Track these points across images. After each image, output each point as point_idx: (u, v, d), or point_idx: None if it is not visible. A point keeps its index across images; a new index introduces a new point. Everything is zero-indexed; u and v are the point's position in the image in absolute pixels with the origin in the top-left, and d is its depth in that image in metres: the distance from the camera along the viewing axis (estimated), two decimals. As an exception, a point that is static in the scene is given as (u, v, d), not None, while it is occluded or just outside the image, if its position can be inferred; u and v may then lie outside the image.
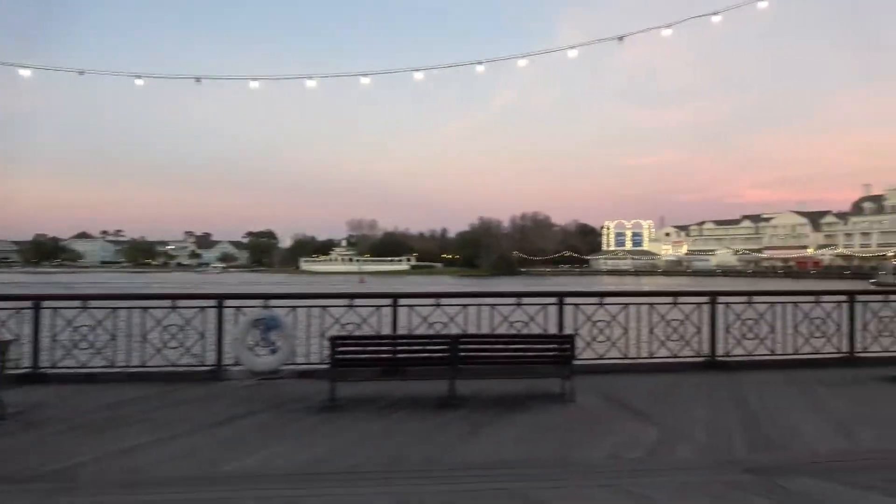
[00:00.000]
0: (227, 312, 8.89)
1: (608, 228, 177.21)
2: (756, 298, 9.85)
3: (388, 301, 9.10)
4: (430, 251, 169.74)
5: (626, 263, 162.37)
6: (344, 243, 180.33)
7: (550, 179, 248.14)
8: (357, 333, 8.74)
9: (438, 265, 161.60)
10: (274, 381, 8.36)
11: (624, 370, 9.15)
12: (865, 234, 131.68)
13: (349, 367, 7.47)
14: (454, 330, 8.88)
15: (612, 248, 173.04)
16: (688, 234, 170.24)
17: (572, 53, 10.40)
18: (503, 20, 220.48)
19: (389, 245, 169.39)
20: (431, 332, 8.82)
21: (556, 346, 7.54)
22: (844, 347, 10.00)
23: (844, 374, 9.10)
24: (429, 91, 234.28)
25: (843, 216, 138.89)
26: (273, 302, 9.08)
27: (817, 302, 9.98)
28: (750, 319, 9.72)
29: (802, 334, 9.86)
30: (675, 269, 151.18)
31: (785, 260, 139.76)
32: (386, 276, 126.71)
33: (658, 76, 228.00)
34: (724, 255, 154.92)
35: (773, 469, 5.09)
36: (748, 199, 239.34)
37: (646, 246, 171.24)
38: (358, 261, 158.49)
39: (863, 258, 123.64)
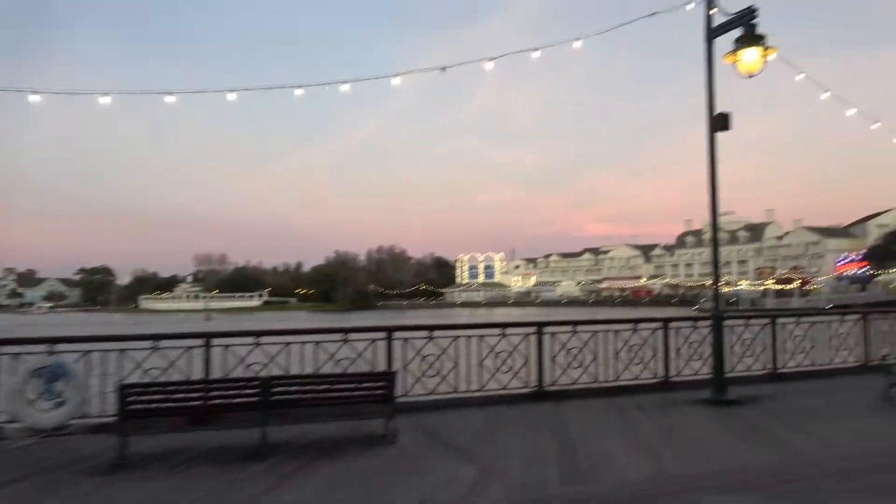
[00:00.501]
0: (3, 361, 7.65)
1: (462, 262, 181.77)
2: (580, 328, 10.12)
3: (199, 341, 8.27)
4: (284, 286, 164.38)
5: (479, 295, 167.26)
6: (190, 279, 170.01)
7: (407, 213, 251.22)
8: (162, 379, 7.84)
9: (293, 300, 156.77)
10: (59, 438, 7.25)
11: (454, 405, 8.96)
12: (689, 265, 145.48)
13: (146, 418, 6.61)
14: (275, 371, 8.27)
15: (466, 281, 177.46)
16: (535, 267, 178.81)
17: (395, 81, 10.33)
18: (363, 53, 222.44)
19: (240, 280, 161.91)
20: (250, 373, 8.14)
21: (376, 384, 7.16)
22: (661, 372, 10.53)
23: (660, 399, 9.54)
24: (285, 119, 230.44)
25: (669, 249, 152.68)
26: (61, 346, 7.94)
27: (635, 329, 10.47)
28: (574, 348, 9.96)
29: (623, 361, 10.27)
30: (524, 299, 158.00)
31: (622, 289, 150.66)
32: (236, 312, 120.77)
33: (511, 116, 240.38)
34: (568, 286, 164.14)
35: (581, 502, 5.02)
36: (590, 232, 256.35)
37: (497, 278, 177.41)
38: (205, 297, 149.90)
39: (687, 287, 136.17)
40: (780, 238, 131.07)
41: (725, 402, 9.07)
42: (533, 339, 9.72)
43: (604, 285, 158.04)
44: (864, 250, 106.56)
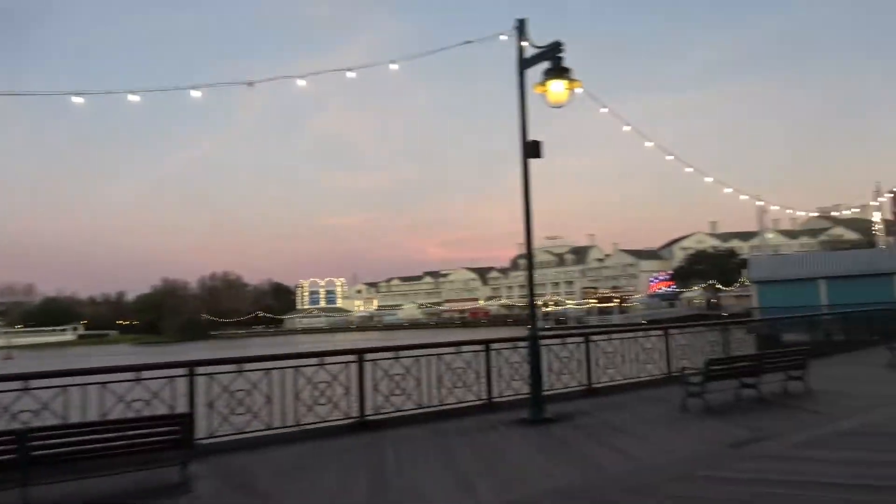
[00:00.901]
0: None
1: (303, 287, 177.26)
2: (402, 353, 9.91)
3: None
4: (104, 317, 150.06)
5: (320, 321, 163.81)
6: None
7: (244, 238, 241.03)
8: None
9: (113, 332, 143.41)
10: None
11: (266, 443, 8.29)
12: (522, 287, 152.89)
13: None
14: (51, 420, 7.13)
15: (306, 307, 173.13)
16: (377, 291, 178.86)
17: (195, 93, 9.63)
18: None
19: (51, 312, 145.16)
20: (17, 424, 6.94)
21: (169, 427, 6.39)
22: (484, 394, 10.59)
23: (483, 421, 9.54)
24: (103, 140, 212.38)
25: (504, 271, 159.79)
26: None
27: (458, 352, 10.46)
28: (398, 375, 9.72)
29: (446, 385, 10.19)
30: (367, 324, 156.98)
31: (461, 311, 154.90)
32: (44, 348, 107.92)
33: (355, 141, 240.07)
34: (410, 309, 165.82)
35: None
36: (432, 256, 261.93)
37: (339, 303, 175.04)
38: (6, 333, 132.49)
39: (521, 307, 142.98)
40: (601, 260, 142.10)
41: (542, 421, 9.26)
42: (353, 367, 9.34)
43: (444, 307, 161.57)
44: (671, 271, 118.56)
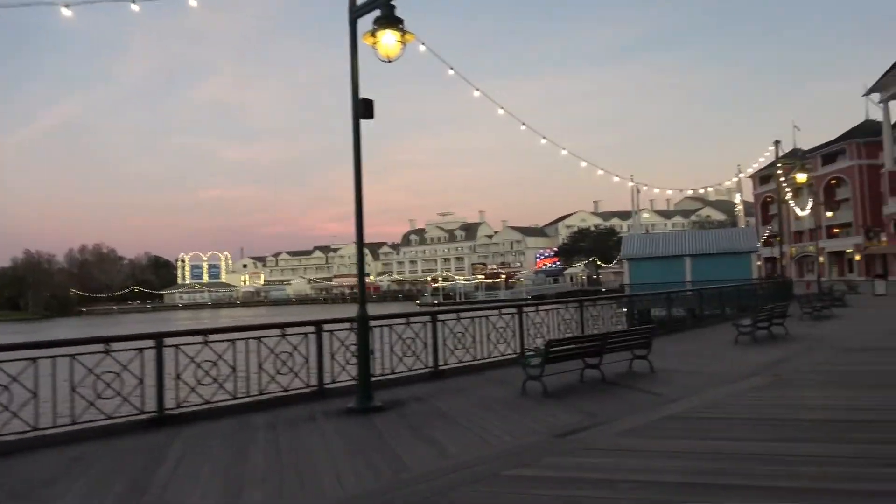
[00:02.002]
0: None
1: (184, 261, 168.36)
2: (213, 337, 8.71)
3: None
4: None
5: (204, 296, 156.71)
6: None
7: (120, 209, 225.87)
8: None
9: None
10: None
11: (31, 447, 6.92)
12: (413, 262, 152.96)
13: None
14: None
15: (188, 282, 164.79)
16: (265, 265, 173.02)
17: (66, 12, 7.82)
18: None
19: None
20: None
21: None
22: (314, 381, 9.61)
23: (306, 411, 8.59)
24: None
25: (395, 247, 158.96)
26: None
27: (283, 335, 9.39)
28: (208, 361, 8.53)
29: (268, 372, 9.12)
30: (252, 300, 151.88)
31: (351, 287, 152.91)
32: None
33: (246, 111, 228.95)
34: (299, 284, 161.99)
35: None
36: (324, 231, 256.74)
37: (224, 278, 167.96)
38: None
39: (412, 283, 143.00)
40: (490, 237, 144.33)
41: (368, 410, 8.41)
42: (149, 353, 8.06)
43: (334, 283, 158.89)
44: (556, 248, 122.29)
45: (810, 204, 52.58)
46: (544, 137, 21.58)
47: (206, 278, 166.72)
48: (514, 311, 12.87)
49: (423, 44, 10.55)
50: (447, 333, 11.43)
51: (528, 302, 14.92)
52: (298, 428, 7.66)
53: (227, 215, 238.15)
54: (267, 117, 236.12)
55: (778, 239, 51.19)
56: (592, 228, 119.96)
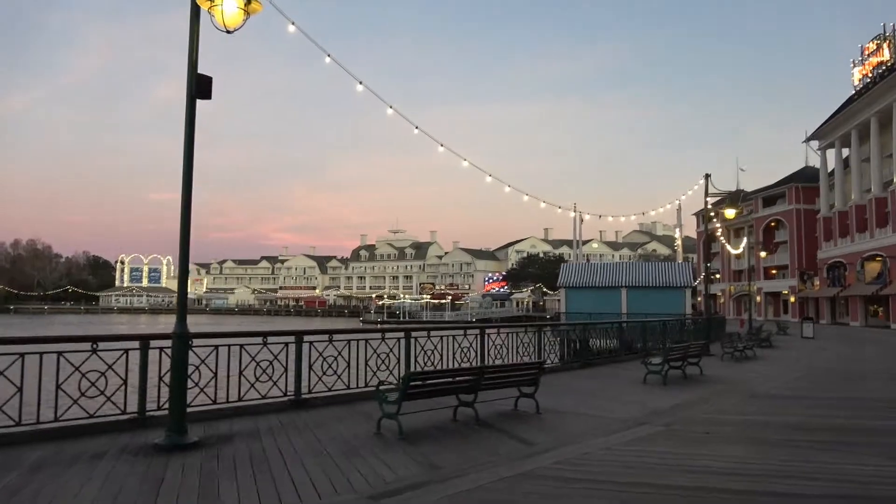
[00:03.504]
0: None
1: (123, 263, 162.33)
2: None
3: None
4: None
5: (140, 301, 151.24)
6: None
7: (62, 206, 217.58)
8: None
9: None
10: None
11: None
12: (361, 278, 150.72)
13: None
14: None
15: (126, 285, 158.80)
16: (209, 272, 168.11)
17: None
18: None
19: None
20: None
21: None
22: (133, 407, 8.13)
23: (108, 444, 7.12)
24: None
25: (344, 261, 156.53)
26: None
27: (94, 350, 7.88)
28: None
29: (68, 394, 7.60)
30: (193, 307, 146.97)
31: (297, 299, 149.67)
32: None
33: (201, 115, 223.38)
34: (243, 294, 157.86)
35: None
36: (275, 241, 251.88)
37: (164, 283, 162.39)
38: None
39: (359, 298, 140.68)
40: (440, 257, 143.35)
41: (177, 448, 6.97)
42: None
43: (279, 294, 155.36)
44: (505, 272, 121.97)
45: (744, 243, 53.11)
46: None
47: (145, 282, 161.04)
48: (401, 333, 11.62)
49: (292, 23, 9.27)
50: (315, 357, 10.06)
51: (421, 324, 13.71)
52: (69, 470, 6.16)
53: (175, 219, 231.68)
54: (226, 122, 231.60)
55: (716, 276, 51.57)
56: (542, 255, 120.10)
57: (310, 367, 9.94)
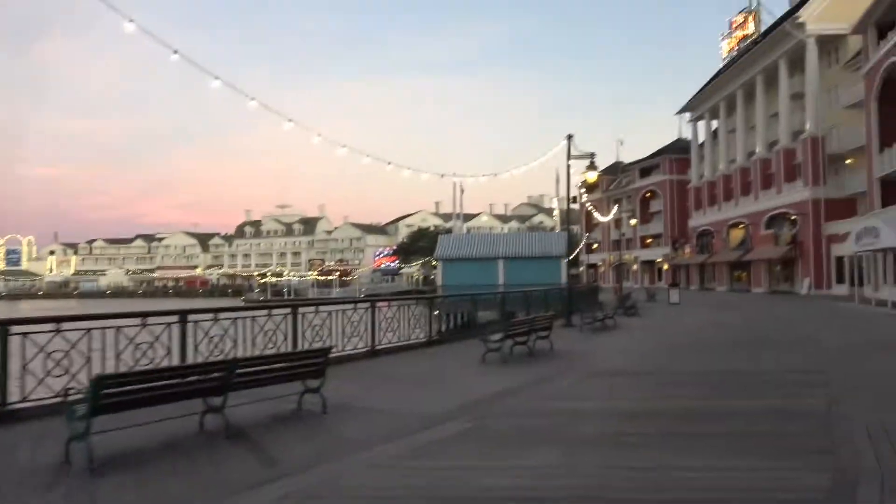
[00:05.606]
0: None
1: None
2: None
3: None
4: None
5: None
6: None
7: None
8: None
9: None
10: None
11: None
12: (246, 256, 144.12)
13: None
14: None
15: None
16: (77, 253, 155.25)
17: None
18: None
19: None
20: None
21: None
22: None
23: None
24: None
25: (228, 239, 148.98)
26: None
27: None
28: None
29: None
30: (59, 291, 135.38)
31: (176, 279, 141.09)
32: None
33: (83, 80, 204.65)
34: (116, 275, 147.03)
35: None
36: (156, 219, 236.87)
37: (25, 265, 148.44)
38: None
39: (244, 277, 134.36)
40: (329, 232, 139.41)
41: None
42: None
43: (156, 274, 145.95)
44: (395, 247, 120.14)
45: (615, 210, 53.84)
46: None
47: (2, 265, 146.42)
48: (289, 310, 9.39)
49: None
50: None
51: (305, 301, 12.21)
52: None
53: (43, 195, 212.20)
54: (108, 87, 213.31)
55: (595, 246, 52.01)
56: (432, 228, 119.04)
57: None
